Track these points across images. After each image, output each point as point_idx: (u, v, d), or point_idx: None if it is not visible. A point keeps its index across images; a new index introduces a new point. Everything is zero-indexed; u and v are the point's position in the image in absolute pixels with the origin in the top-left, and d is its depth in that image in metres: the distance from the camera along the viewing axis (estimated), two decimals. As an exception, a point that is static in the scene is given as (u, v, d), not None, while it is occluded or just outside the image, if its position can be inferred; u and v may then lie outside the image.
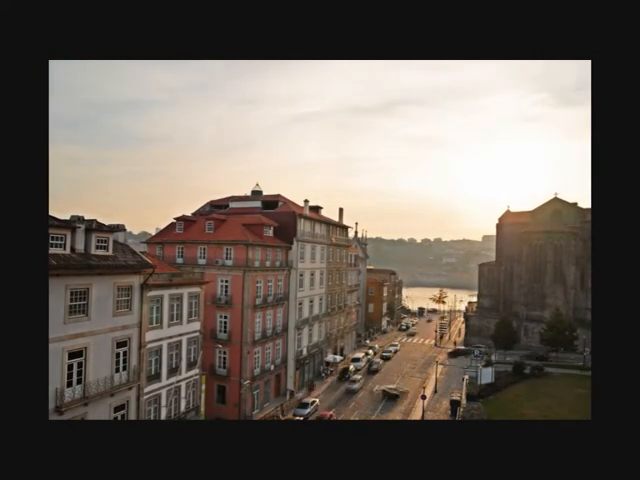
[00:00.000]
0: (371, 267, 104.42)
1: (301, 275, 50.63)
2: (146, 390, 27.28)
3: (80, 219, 23.88)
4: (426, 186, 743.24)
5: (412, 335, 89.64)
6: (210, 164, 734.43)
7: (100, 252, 24.04)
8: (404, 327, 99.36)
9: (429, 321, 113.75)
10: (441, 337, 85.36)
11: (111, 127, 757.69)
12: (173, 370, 29.90)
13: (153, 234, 58.80)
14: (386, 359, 65.69)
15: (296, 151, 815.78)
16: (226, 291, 41.61)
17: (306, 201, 53.01)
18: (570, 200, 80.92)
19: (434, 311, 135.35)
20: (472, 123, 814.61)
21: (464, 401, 45.17)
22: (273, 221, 48.00)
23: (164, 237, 47.42)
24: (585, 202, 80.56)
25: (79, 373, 22.57)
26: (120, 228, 27.90)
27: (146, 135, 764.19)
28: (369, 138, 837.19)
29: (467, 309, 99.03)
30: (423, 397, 43.88)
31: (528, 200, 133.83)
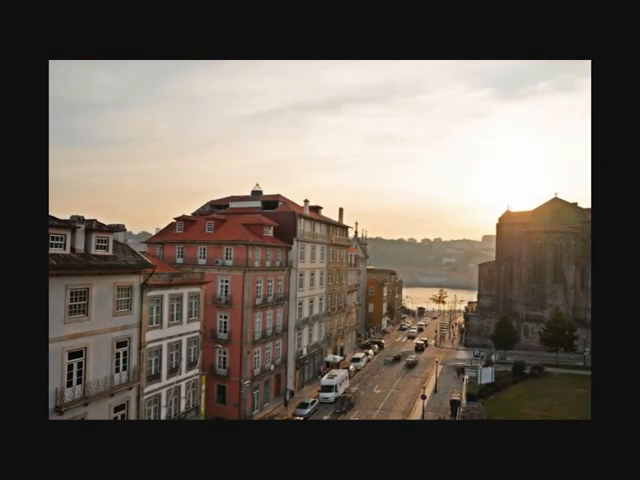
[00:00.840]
0: (371, 267, 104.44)
1: (301, 275, 50.61)
2: (146, 390, 27.28)
3: (80, 219, 23.89)
4: (410, 185, 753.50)
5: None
6: (176, 164, 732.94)
7: (100, 252, 24.04)
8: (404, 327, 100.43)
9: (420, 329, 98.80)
10: (442, 337, 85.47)
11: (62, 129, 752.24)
12: (173, 370, 29.89)
13: (153, 234, 58.81)
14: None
15: (256, 151, 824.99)
16: (226, 291, 41.59)
17: (306, 201, 53.03)
18: (558, 199, 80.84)
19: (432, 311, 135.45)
20: (428, 120, 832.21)
21: (464, 401, 45.17)
22: (273, 221, 47.99)
23: (164, 237, 47.42)
24: (585, 202, 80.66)
25: (79, 373, 22.56)
26: (120, 228, 27.90)
27: (102, 136, 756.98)
28: (324, 136, 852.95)
29: (467, 309, 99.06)
30: (423, 397, 43.85)
31: (527, 200, 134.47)
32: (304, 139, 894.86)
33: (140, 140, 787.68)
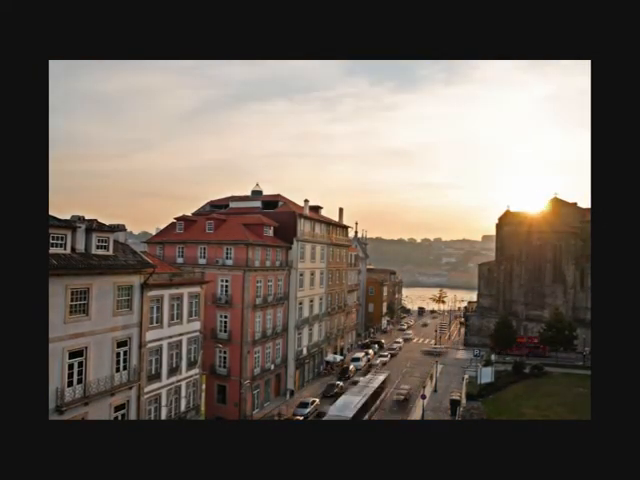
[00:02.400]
0: (371, 267, 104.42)
1: (301, 275, 50.60)
2: (146, 390, 27.28)
3: (81, 219, 23.89)
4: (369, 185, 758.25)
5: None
6: (119, 164, 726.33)
7: (100, 252, 24.04)
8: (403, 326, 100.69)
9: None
10: (440, 337, 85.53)
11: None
12: (173, 370, 29.89)
13: (153, 234, 58.80)
14: None
15: (196, 149, 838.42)
16: (226, 291, 41.59)
17: (306, 201, 53.03)
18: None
19: (432, 312, 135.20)
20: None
21: (464, 400, 45.17)
22: (273, 221, 47.98)
23: (164, 237, 47.41)
24: (585, 202, 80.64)
25: (79, 373, 22.57)
26: (120, 228, 27.91)
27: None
28: (246, 134, 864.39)
29: (467, 309, 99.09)
30: (423, 397, 43.86)
31: (527, 200, 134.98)
32: (234, 137, 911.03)
33: (64, 142, 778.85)
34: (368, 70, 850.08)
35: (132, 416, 25.83)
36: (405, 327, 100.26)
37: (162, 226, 51.76)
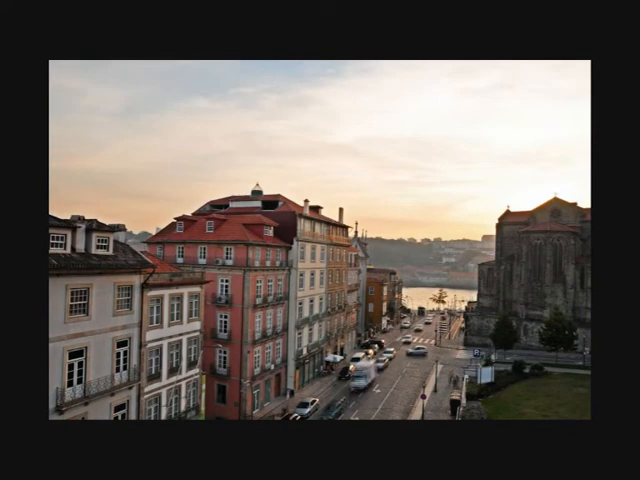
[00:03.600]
0: (371, 267, 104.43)
1: (301, 275, 50.62)
2: (146, 389, 27.28)
3: (81, 219, 23.88)
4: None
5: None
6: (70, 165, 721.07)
7: (101, 252, 24.04)
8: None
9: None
10: (441, 337, 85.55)
11: None
12: (173, 370, 29.89)
13: (153, 234, 58.80)
14: None
15: (138, 151, 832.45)
16: (226, 291, 41.60)
17: (306, 201, 53.04)
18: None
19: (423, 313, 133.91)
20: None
21: (464, 400, 45.17)
22: (273, 221, 48.00)
23: (164, 237, 47.42)
24: (585, 202, 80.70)
25: (80, 372, 22.58)
26: (120, 228, 27.90)
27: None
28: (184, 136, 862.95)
29: (467, 308, 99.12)
30: (423, 397, 43.87)
31: (527, 200, 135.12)
32: (173, 137, 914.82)
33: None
34: (283, 64, 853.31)
35: (132, 416, 25.83)
36: (408, 325, 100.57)
37: (162, 226, 51.80)
